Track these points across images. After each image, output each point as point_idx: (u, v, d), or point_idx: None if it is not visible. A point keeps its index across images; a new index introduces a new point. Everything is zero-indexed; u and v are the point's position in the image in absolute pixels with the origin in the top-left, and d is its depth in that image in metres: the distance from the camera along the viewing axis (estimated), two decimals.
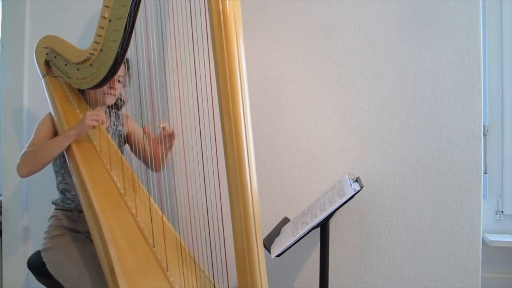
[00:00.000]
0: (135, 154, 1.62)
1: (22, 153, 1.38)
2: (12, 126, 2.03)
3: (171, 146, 1.46)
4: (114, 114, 1.63)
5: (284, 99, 1.75)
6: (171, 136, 1.43)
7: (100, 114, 1.38)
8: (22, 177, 1.39)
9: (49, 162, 1.40)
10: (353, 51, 1.68)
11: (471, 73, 1.58)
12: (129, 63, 1.57)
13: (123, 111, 1.69)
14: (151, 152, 1.53)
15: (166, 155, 1.48)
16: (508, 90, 1.91)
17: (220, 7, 0.99)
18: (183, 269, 1.25)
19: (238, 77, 1.00)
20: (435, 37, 1.60)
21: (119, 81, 1.54)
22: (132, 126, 1.66)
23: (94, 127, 1.37)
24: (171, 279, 1.20)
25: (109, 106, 1.58)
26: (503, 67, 1.92)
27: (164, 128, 1.41)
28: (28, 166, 1.37)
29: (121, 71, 1.48)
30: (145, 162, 1.59)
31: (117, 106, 1.65)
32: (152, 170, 1.55)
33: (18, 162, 1.37)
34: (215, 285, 1.28)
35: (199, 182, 1.43)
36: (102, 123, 1.40)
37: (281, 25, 1.75)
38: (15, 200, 2.02)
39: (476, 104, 1.58)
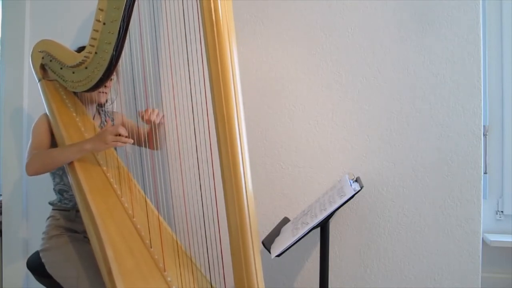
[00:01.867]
0: (135, 144, 1.63)
1: (32, 154, 1.38)
2: (11, 127, 2.03)
3: (160, 123, 1.49)
4: (102, 111, 1.65)
5: (284, 99, 1.75)
6: (151, 114, 1.44)
7: (122, 132, 1.33)
8: (29, 175, 1.38)
9: (56, 168, 1.42)
10: (353, 51, 1.68)
11: (471, 73, 1.57)
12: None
13: (118, 110, 1.70)
14: (145, 134, 1.57)
15: (158, 133, 1.51)
16: (508, 90, 1.91)
17: (212, 6, 0.99)
18: (180, 269, 1.25)
19: (231, 75, 1.00)
20: (435, 37, 1.60)
21: (112, 79, 1.55)
22: (125, 120, 1.68)
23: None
24: (169, 279, 1.20)
25: (98, 104, 1.61)
26: (503, 67, 1.92)
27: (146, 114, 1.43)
28: (36, 167, 1.36)
29: None
30: (143, 144, 1.61)
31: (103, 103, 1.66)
32: (151, 148, 1.58)
33: (27, 161, 1.37)
34: (212, 284, 1.28)
35: (194, 182, 1.43)
36: (125, 143, 1.35)
37: (281, 25, 1.75)
38: (15, 200, 2.03)
39: (476, 104, 1.57)
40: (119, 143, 1.33)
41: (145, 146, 1.61)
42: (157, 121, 1.45)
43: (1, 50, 2.07)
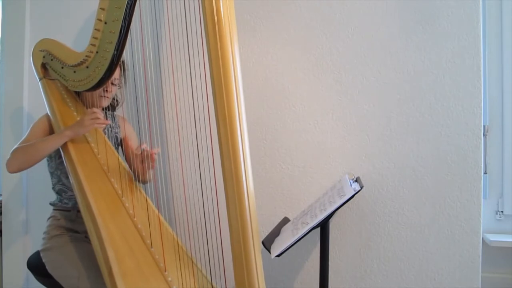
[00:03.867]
0: (126, 161, 1.61)
1: (13, 148, 1.38)
2: (11, 127, 2.03)
3: (152, 167, 1.44)
4: (110, 116, 1.64)
5: (284, 99, 1.75)
6: (151, 158, 1.41)
7: (98, 115, 1.37)
8: (11, 172, 1.38)
9: (39, 160, 1.39)
10: (353, 51, 1.68)
11: (471, 73, 1.57)
12: (125, 65, 1.58)
13: (119, 112, 1.69)
14: (136, 166, 1.51)
15: (147, 172, 1.47)
16: (508, 90, 1.91)
17: (214, 6, 0.99)
18: (181, 269, 1.25)
19: (233, 75, 1.01)
20: (435, 37, 1.60)
21: (114, 84, 1.55)
22: (128, 131, 1.66)
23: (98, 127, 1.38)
24: (169, 279, 1.20)
25: (104, 108, 1.59)
26: (503, 67, 1.92)
27: (144, 150, 1.41)
28: (18, 163, 1.36)
29: (116, 73, 1.49)
30: (133, 172, 1.56)
31: (112, 107, 1.65)
32: (137, 181, 1.53)
33: (9, 157, 1.36)
34: (213, 285, 1.28)
35: (195, 183, 1.43)
36: (104, 124, 1.40)
37: (281, 25, 1.75)
38: (15, 200, 2.03)
39: (476, 104, 1.57)
40: (97, 124, 1.36)
41: (133, 175, 1.56)
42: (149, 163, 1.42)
43: (1, 50, 2.07)
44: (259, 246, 1.03)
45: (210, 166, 1.13)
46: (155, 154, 1.42)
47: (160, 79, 1.82)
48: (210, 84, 1.03)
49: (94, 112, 1.36)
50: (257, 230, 1.03)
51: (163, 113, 1.81)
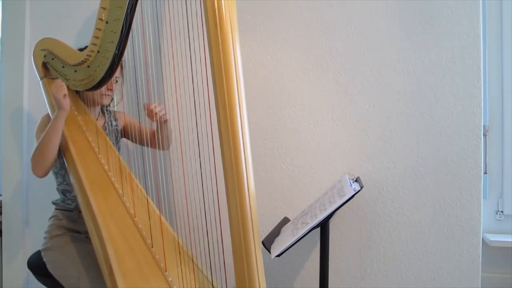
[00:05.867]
0: (138, 143, 1.63)
1: (30, 157, 1.39)
2: (12, 127, 2.03)
3: (165, 121, 1.50)
4: (106, 112, 1.64)
5: (284, 99, 1.75)
6: (154, 111, 1.45)
7: (61, 84, 1.39)
8: (40, 177, 1.40)
9: (55, 154, 1.38)
10: (353, 51, 1.68)
11: (471, 73, 1.57)
12: (123, 63, 1.58)
13: (120, 109, 1.70)
14: (147, 132, 1.57)
15: (165, 132, 1.53)
16: (508, 90, 1.91)
17: (216, 6, 0.99)
18: (181, 269, 1.25)
19: (234, 75, 1.01)
20: (435, 37, 1.60)
21: (116, 81, 1.55)
22: (128, 118, 1.68)
23: (64, 95, 1.38)
24: (170, 279, 1.20)
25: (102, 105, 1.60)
26: (503, 67, 1.92)
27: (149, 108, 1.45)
28: (40, 166, 1.37)
29: (117, 72, 1.49)
30: (152, 145, 1.59)
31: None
32: (160, 149, 1.57)
33: (31, 166, 1.38)
34: (213, 285, 1.28)
35: (196, 182, 1.43)
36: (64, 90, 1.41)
37: (281, 25, 1.75)
38: (15, 200, 2.03)
39: (476, 104, 1.57)
40: (62, 92, 1.37)
41: (148, 146, 1.60)
42: (160, 114, 1.45)
43: (1, 50, 2.07)
44: (259, 245, 1.03)
45: (211, 164, 1.13)
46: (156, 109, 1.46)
47: (161, 77, 1.81)
48: (210, 70, 1.03)
49: (56, 84, 1.39)
50: (257, 229, 1.03)
51: (163, 101, 1.80)
